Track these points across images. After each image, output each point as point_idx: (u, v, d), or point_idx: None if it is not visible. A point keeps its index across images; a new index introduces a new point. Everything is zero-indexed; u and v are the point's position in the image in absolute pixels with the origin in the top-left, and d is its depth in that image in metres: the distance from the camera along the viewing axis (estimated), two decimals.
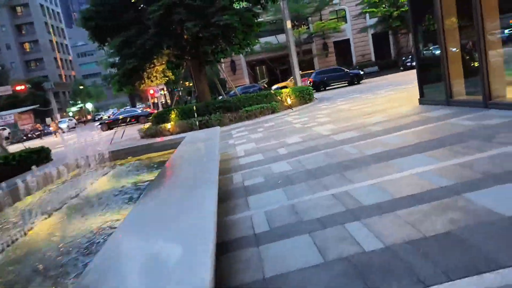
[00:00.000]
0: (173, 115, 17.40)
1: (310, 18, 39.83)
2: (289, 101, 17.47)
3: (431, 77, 8.35)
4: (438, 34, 7.25)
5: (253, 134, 10.51)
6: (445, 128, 6.05)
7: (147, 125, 18.96)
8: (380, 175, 4.34)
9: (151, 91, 36.91)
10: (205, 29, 15.20)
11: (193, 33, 14.79)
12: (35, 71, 72.07)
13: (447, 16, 7.13)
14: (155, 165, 6.66)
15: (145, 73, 17.43)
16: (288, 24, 21.45)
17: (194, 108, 15.67)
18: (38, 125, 46.63)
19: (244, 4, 17.90)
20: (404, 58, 37.31)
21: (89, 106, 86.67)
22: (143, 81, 17.69)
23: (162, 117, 18.07)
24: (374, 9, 36.94)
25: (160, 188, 3.80)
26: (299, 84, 20.69)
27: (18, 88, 42.75)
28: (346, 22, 42.10)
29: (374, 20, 40.42)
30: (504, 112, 6.15)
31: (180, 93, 46.84)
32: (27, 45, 72.57)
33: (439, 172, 4.01)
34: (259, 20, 17.78)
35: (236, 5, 17.24)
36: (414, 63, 32.68)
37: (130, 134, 20.91)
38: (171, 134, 16.70)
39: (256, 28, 17.63)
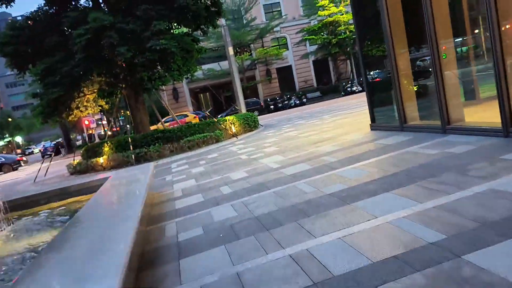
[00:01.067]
0: (106, 148, 15.81)
1: (252, 45, 39.93)
2: (233, 129, 16.60)
3: (382, 101, 7.86)
4: (388, 55, 6.76)
5: (194, 168, 9.41)
6: (407, 158, 5.39)
7: (77, 159, 17.11)
8: (346, 223, 3.46)
9: (86, 122, 34.48)
10: (140, 55, 14.06)
11: (126, 58, 13.57)
12: None
13: (397, 35, 6.68)
14: (65, 216, 5.35)
15: (73, 102, 15.78)
16: (230, 51, 20.91)
17: (130, 139, 14.26)
18: None
19: (183, 30, 17.06)
20: (344, 83, 38.34)
21: (19, 139, 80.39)
22: (71, 112, 15.98)
23: (94, 151, 16.40)
24: (314, 37, 37.80)
25: (50, 260, 2.62)
26: (243, 111, 19.97)
27: None
28: (287, 49, 42.76)
29: (314, 47, 41.43)
30: (465, 138, 5.64)
31: (121, 123, 44.52)
32: None
33: (419, 219, 3.20)
34: (199, 45, 16.93)
35: (175, 31, 16.35)
36: (354, 88, 33.71)
37: (58, 171, 18.83)
38: (104, 169, 15.08)
39: (196, 53, 16.76)
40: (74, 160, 17.48)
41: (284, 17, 42.22)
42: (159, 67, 14.71)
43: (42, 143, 78.77)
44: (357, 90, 36.04)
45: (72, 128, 48.84)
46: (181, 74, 16.01)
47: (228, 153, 10.89)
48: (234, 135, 16.01)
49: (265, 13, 43.51)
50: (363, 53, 7.84)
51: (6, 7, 15.60)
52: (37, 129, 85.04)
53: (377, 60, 7.79)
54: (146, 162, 14.57)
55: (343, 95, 36.34)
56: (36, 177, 16.89)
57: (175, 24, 16.09)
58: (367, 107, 8.46)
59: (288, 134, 12.20)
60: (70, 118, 17.04)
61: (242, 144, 12.53)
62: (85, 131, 38.69)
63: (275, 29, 41.33)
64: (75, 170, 16.09)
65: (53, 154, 37.05)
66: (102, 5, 15.25)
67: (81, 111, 16.35)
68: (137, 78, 14.40)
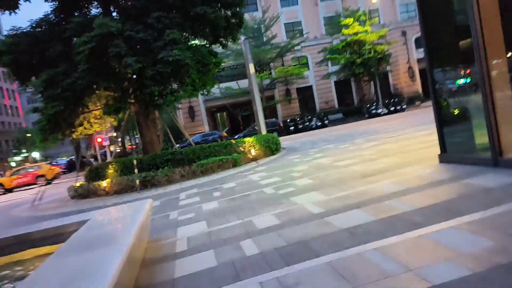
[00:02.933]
0: (111, 170, 14.13)
1: (272, 64, 38.50)
2: (253, 152, 14.76)
3: (461, 125, 5.91)
4: (477, 59, 4.85)
5: (207, 203, 7.53)
6: None
7: (79, 182, 15.47)
8: None
9: (99, 139, 33.15)
10: (150, 67, 12.48)
11: (135, 70, 12.00)
12: None
13: (491, 30, 4.76)
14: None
15: (76, 119, 14.24)
16: (251, 68, 19.26)
17: (135, 162, 12.53)
18: None
19: (199, 41, 15.51)
20: (368, 105, 36.36)
21: (36, 155, 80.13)
22: (73, 129, 14.43)
23: (97, 172, 14.73)
24: (337, 56, 36.15)
25: None
26: (264, 132, 18.17)
27: None
28: (308, 68, 41.18)
29: (336, 67, 39.77)
30: None
31: (137, 140, 43.07)
32: None
33: None
34: (217, 58, 15.33)
35: (191, 43, 14.81)
36: (380, 111, 31.64)
37: (60, 192, 17.21)
38: (107, 194, 13.36)
39: (213, 67, 15.15)
40: (76, 181, 15.86)
41: (305, 36, 40.86)
42: (171, 80, 13.07)
43: (57, 159, 78.33)
44: (382, 113, 34.05)
45: (88, 145, 47.88)
46: (196, 90, 14.36)
47: (248, 183, 8.99)
48: (254, 159, 14.16)
49: (285, 31, 42.29)
50: (430, 55, 5.93)
51: (10, 13, 14.36)
52: (54, 145, 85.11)
53: (452, 66, 5.88)
54: (153, 187, 12.79)
55: (367, 118, 34.36)
56: (35, 200, 15.27)
57: (191, 35, 14.54)
58: (405, 130, 6.56)
59: (319, 162, 10.25)
60: (74, 136, 15.50)
61: (265, 172, 10.62)
62: (97, 148, 37.38)
63: (295, 48, 39.94)
64: (76, 194, 14.41)
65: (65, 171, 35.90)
66: (113, 12, 13.84)
67: (85, 128, 14.79)
68: (146, 93, 12.78)
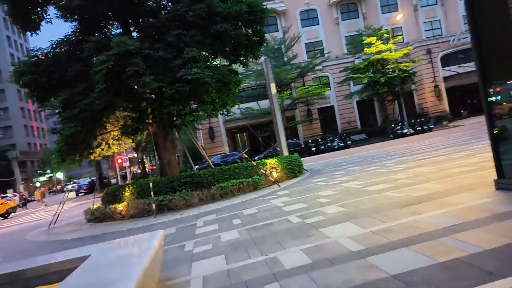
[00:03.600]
0: (127, 193, 13.63)
1: (292, 84, 38.04)
2: (274, 175, 14.03)
3: None
4: None
5: (226, 233, 6.81)
6: None
7: (96, 204, 15.03)
8: None
9: (119, 160, 33.05)
10: (169, 86, 12.08)
11: (153, 90, 11.60)
12: (2, 139, 67.87)
13: None
14: None
15: (93, 140, 13.89)
16: (273, 88, 18.70)
17: (151, 185, 11.98)
18: (22, 192, 41.87)
19: (219, 61, 15.11)
20: (393, 125, 35.25)
21: (60, 175, 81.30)
22: (91, 151, 14.07)
23: (114, 195, 14.26)
24: (360, 75, 35.40)
25: None
26: (285, 153, 17.44)
27: None
28: (330, 88, 40.52)
29: (358, 87, 39.00)
30: None
31: (158, 162, 42.96)
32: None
33: None
34: (238, 77, 14.86)
35: (211, 62, 14.40)
36: (405, 131, 30.46)
37: (75, 215, 16.81)
38: (123, 217, 12.82)
39: (234, 86, 14.67)
40: (93, 204, 15.43)
41: (326, 55, 40.40)
42: (190, 100, 12.60)
43: (81, 179, 79.13)
44: (408, 133, 32.88)
45: (110, 165, 48.05)
46: (215, 109, 13.86)
47: (271, 210, 8.25)
48: (276, 182, 13.42)
49: (306, 51, 41.96)
50: (483, 67, 5.15)
51: (32, 34, 14.35)
52: (74, 166, 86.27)
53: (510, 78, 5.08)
54: (170, 212, 12.18)
55: (392, 138, 33.23)
56: (51, 223, 14.87)
57: (211, 54, 14.15)
58: (439, 151, 5.72)
59: (348, 186, 9.42)
60: (92, 157, 15.15)
61: (288, 196, 9.86)
62: (117, 169, 37.34)
63: (317, 68, 39.46)
64: (92, 217, 13.93)
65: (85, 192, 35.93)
66: (133, 32, 13.61)
67: (102, 149, 14.42)
68: (164, 112, 12.34)
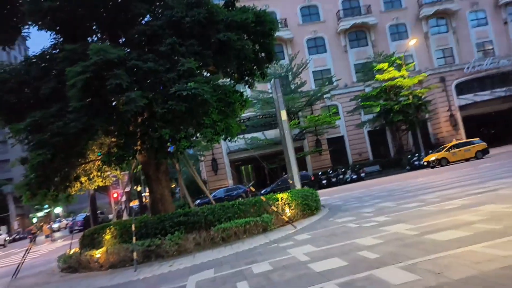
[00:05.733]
0: (108, 236, 11.19)
1: (300, 113, 36.04)
2: (287, 212, 11.59)
3: None
4: None
5: None
6: None
7: (73, 249, 12.55)
8: None
9: (115, 194, 30.59)
10: (160, 104, 9.91)
11: (139, 108, 9.41)
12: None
13: None
14: None
15: (72, 171, 11.60)
16: (283, 114, 16.61)
17: (133, 226, 9.55)
18: (32, 226, 39.21)
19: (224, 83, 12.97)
20: (410, 156, 32.82)
21: (58, 210, 78.32)
22: (68, 184, 11.75)
23: (92, 238, 11.84)
24: (373, 103, 33.39)
25: None
26: (298, 186, 15.04)
27: None
28: (339, 117, 38.43)
29: (370, 116, 36.93)
30: None
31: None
32: None
33: None
34: (244, 97, 12.75)
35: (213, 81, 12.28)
36: (423, 162, 28.04)
37: (44, 262, 14.27)
38: (101, 267, 10.32)
39: (239, 107, 12.51)
40: (70, 248, 12.96)
41: (335, 83, 38.62)
42: (186, 121, 10.35)
43: (80, 215, 75.86)
44: (426, 165, 30.36)
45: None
46: (217, 134, 11.59)
47: (293, 268, 5.78)
48: (291, 221, 10.95)
49: (314, 79, 40.31)
50: None
51: (4, 49, 12.42)
52: (75, 200, 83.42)
53: None
54: (158, 260, 9.71)
55: (409, 170, 30.74)
56: (15, 272, 12.22)
57: (212, 71, 12.09)
58: (485, 184, 3.86)
59: (396, 231, 6.91)
60: (72, 192, 12.81)
61: (311, 244, 7.39)
62: (112, 204, 34.75)
63: (325, 96, 37.60)
64: (66, 265, 11.44)
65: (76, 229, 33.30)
66: (120, 41, 11.60)
67: (81, 182, 12.12)
68: (155, 137, 10.10)
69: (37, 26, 11.36)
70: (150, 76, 9.92)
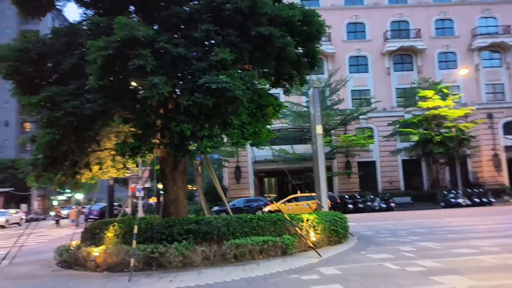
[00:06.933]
0: (110, 233, 10.11)
1: (333, 131, 34.43)
2: (312, 236, 10.15)
3: None
4: None
5: None
6: None
7: (75, 241, 11.54)
8: None
9: (132, 185, 29.69)
10: (185, 94, 8.82)
11: (161, 95, 8.33)
12: (27, 152, 67.03)
13: None
14: None
15: (83, 156, 10.65)
16: (318, 128, 15.19)
17: (135, 228, 8.39)
18: (58, 208, 38.59)
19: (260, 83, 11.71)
20: (446, 192, 30.52)
21: (79, 196, 79.11)
22: (77, 169, 10.80)
23: (93, 233, 10.81)
24: (412, 130, 31.41)
25: None
26: (325, 208, 13.56)
27: None
28: (374, 141, 36.49)
29: (405, 144, 34.84)
30: None
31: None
32: (28, 124, 68.82)
33: None
34: (278, 101, 11.49)
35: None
36: (460, 201, 25.53)
37: (48, 249, 13.33)
38: (97, 267, 9.21)
39: (272, 112, 11.27)
40: (71, 239, 11.97)
41: (373, 105, 36.82)
42: (212, 118, 9.19)
43: (100, 203, 76.05)
44: (463, 204, 28.14)
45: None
46: (244, 137, 10.34)
47: None
48: (315, 247, 9.51)
49: (352, 99, 38.62)
50: None
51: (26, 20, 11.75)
52: (97, 189, 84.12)
53: None
54: (159, 270, 8.51)
55: (443, 207, 28.50)
56: (4, 258, 11.19)
57: (245, 67, 10.91)
58: None
59: (454, 287, 5.44)
60: (83, 179, 11.88)
61: (340, 283, 5.96)
62: (129, 199, 34.04)
63: (361, 117, 35.85)
64: (62, 258, 10.43)
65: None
66: (154, 23, 10.61)
67: (90, 170, 11.14)
68: (175, 131, 8.99)
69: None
70: (178, 62, 8.87)
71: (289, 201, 24.31)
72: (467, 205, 27.99)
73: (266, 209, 21.24)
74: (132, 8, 11.01)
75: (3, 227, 32.75)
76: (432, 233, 11.83)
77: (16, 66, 9.80)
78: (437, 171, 34.02)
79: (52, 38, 10.63)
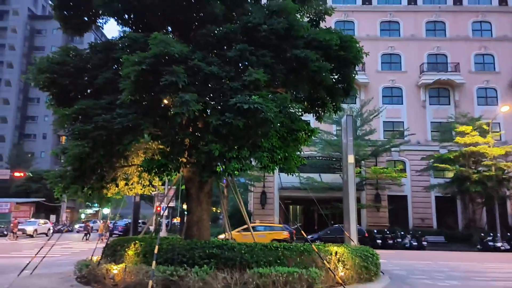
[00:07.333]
0: (131, 252, 9.87)
1: (363, 162, 33.53)
2: (340, 271, 9.52)
3: None
4: None
5: None
6: None
7: (96, 257, 11.36)
8: None
9: (157, 203, 29.67)
10: (215, 114, 8.64)
11: (193, 114, 8.17)
12: (61, 164, 69.07)
13: None
14: None
15: (110, 171, 10.59)
16: (350, 158, 14.71)
17: (156, 248, 8.10)
18: (88, 223, 38.47)
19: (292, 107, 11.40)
20: (483, 234, 28.73)
21: (106, 211, 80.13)
22: (105, 184, 10.74)
23: (114, 250, 10.62)
24: (448, 166, 30.10)
25: None
26: (355, 241, 12.85)
27: (16, 174, 37.60)
28: (406, 175, 35.22)
29: (440, 180, 33.41)
30: None
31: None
32: (64, 138, 71.36)
33: None
34: (311, 127, 11.15)
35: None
36: (499, 244, 23.73)
37: (70, 262, 13.18)
38: (116, 285, 8.94)
39: (303, 138, 10.92)
40: (92, 255, 11.81)
41: (406, 138, 35.76)
42: (241, 140, 8.93)
43: (124, 219, 76.45)
44: (502, 248, 26.34)
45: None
46: (274, 162, 9.99)
47: None
48: (343, 284, 8.88)
49: (384, 130, 37.64)
50: None
51: (71, 38, 12.08)
52: (125, 204, 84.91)
53: None
54: None
55: (480, 250, 26.76)
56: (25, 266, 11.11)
57: (278, 90, 10.66)
58: None
59: None
60: (109, 194, 11.84)
61: None
62: (153, 217, 34.02)
63: (393, 150, 34.81)
64: (81, 273, 10.24)
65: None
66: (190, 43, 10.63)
67: (117, 185, 11.06)
68: (203, 151, 8.78)
69: (109, 16, 10.86)
70: (210, 81, 8.76)
71: (245, 230, 21.09)
72: (506, 250, 26.19)
73: (220, 236, 19.09)
74: (169, 28, 11.14)
75: (31, 236, 33.38)
76: (471, 279, 10.91)
77: (53, 78, 10.00)
78: (474, 211, 32.26)
79: (89, 53, 10.85)
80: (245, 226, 20.74)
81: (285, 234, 23.68)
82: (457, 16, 39.93)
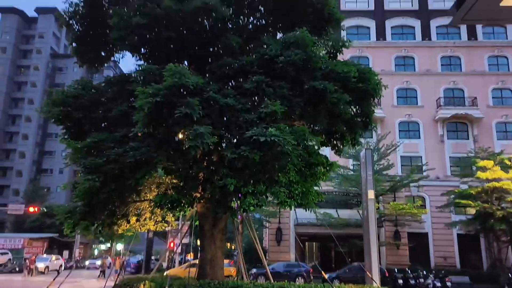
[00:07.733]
0: None
1: (381, 197, 32.56)
2: None
3: None
4: None
5: None
6: None
7: None
8: None
9: (171, 244, 29.10)
10: (231, 147, 8.34)
11: (207, 147, 7.89)
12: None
13: None
14: None
15: (121, 206, 10.27)
16: (370, 193, 14.18)
17: None
18: (104, 260, 36.92)
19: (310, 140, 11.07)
20: (510, 274, 27.11)
21: (120, 247, 79.15)
22: (115, 220, 10.39)
23: None
24: (471, 202, 28.95)
25: None
26: (377, 282, 12.04)
27: (31, 209, 37.61)
28: (426, 211, 34.01)
29: (461, 216, 32.10)
30: None
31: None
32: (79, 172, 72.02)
33: None
34: (329, 161, 10.73)
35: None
36: None
37: None
38: None
39: (321, 172, 10.49)
40: None
41: (425, 173, 34.81)
42: (258, 174, 8.56)
43: (138, 256, 75.06)
44: None
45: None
46: (291, 197, 9.53)
47: None
48: None
49: (401, 165, 36.81)
50: None
51: (90, 73, 12.15)
52: (138, 240, 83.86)
53: None
54: None
55: None
56: None
57: (295, 123, 10.36)
58: None
59: None
60: (120, 230, 11.47)
61: None
62: (167, 254, 33.25)
63: (412, 185, 33.82)
64: None
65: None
66: (206, 74, 10.54)
67: (128, 221, 10.68)
68: (218, 185, 8.43)
69: (125, 49, 10.91)
70: (226, 113, 8.53)
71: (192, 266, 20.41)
72: None
73: (166, 272, 17.83)
74: (185, 62, 11.11)
75: (42, 273, 32.77)
76: None
77: (67, 112, 9.93)
78: (499, 250, 30.65)
79: (104, 86, 10.83)
80: (192, 262, 20.16)
81: (231, 271, 22.13)
82: (472, 51, 39.85)
